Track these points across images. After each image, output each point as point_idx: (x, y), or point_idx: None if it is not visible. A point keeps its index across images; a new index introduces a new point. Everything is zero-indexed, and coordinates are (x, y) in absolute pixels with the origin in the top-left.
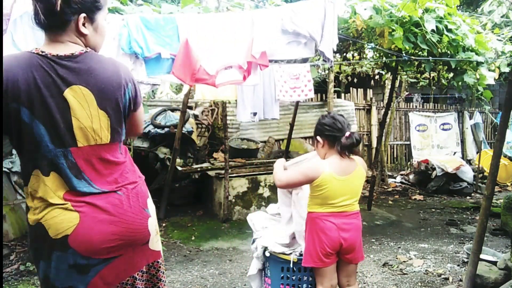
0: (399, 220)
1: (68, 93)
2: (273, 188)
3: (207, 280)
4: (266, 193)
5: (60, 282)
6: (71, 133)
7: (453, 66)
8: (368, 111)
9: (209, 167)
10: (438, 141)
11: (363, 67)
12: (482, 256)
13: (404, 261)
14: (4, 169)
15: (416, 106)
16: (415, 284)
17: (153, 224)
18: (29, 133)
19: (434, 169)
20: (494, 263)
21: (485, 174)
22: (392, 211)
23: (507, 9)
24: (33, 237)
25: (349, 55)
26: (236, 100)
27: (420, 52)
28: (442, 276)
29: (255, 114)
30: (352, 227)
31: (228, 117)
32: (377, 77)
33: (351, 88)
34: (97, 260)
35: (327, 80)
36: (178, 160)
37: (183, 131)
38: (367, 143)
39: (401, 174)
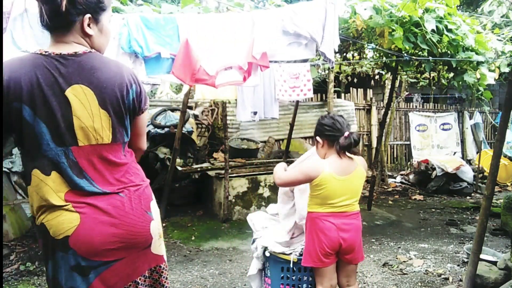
0: (399, 220)
1: (69, 92)
2: (273, 188)
3: (207, 280)
4: (266, 193)
5: (64, 282)
6: (72, 132)
7: (454, 66)
8: (368, 111)
9: (209, 167)
10: (438, 141)
11: (363, 67)
12: (482, 256)
13: (404, 261)
14: (4, 169)
15: (416, 106)
16: (415, 284)
17: (155, 227)
18: (31, 132)
19: (434, 169)
20: (494, 263)
21: (485, 174)
22: (392, 211)
23: (507, 9)
24: (40, 237)
25: (349, 55)
26: (236, 100)
27: (420, 52)
28: (442, 276)
29: (255, 113)
30: (352, 228)
31: (228, 117)
32: (377, 77)
33: (351, 88)
34: (97, 263)
35: (327, 80)
36: (178, 160)
37: (183, 131)
38: (367, 143)
39: (401, 174)
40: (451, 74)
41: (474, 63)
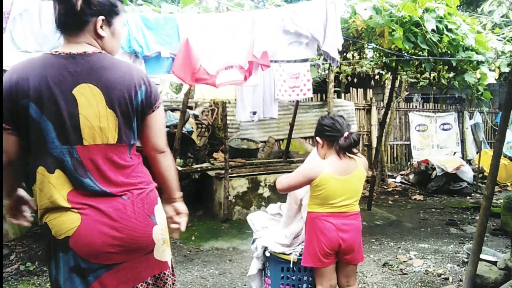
0: (399, 220)
1: (77, 91)
2: (273, 188)
3: (207, 280)
4: (266, 193)
5: (63, 282)
6: (78, 131)
7: (454, 65)
8: (368, 111)
9: (209, 167)
10: (438, 141)
11: (363, 67)
12: (482, 256)
13: (404, 261)
14: None
15: (416, 106)
16: (415, 284)
17: (159, 232)
18: (37, 129)
19: (434, 169)
20: (494, 263)
21: (485, 174)
22: (392, 211)
23: (507, 9)
24: (43, 236)
25: (349, 55)
26: (236, 100)
27: (420, 52)
28: (442, 276)
29: (254, 113)
30: (352, 228)
31: (228, 117)
32: (377, 77)
33: (351, 88)
34: (97, 265)
35: (327, 80)
36: (178, 160)
37: (183, 131)
38: (367, 143)
39: (401, 174)
40: (451, 74)
41: (474, 63)
